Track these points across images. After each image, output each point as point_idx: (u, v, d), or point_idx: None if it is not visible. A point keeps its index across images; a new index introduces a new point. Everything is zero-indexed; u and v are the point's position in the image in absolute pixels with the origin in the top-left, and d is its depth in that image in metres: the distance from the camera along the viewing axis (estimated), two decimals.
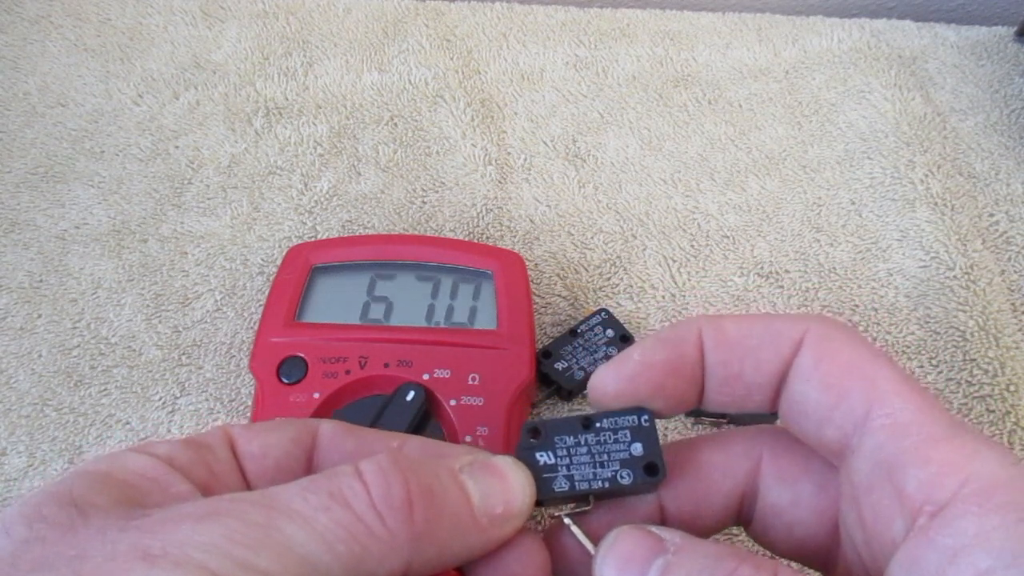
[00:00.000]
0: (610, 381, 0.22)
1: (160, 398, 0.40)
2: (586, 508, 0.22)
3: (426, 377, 0.36)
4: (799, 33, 0.57)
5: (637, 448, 0.22)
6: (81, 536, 0.16)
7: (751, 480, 0.23)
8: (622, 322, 0.41)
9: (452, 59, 0.55)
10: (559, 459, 0.22)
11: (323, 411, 0.35)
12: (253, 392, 0.39)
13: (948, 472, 0.18)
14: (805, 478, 0.22)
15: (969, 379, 0.40)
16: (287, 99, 0.53)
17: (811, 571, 0.23)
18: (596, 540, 0.21)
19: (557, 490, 0.22)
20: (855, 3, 0.62)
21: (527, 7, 0.59)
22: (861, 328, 0.43)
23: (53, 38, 0.56)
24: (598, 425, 0.22)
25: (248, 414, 0.39)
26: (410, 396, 0.35)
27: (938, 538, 0.17)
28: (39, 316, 0.43)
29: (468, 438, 0.35)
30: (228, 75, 0.54)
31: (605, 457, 0.22)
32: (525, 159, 0.50)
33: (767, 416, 0.37)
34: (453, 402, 0.35)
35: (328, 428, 0.22)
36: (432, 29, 0.57)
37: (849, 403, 0.20)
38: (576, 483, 0.22)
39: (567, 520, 0.22)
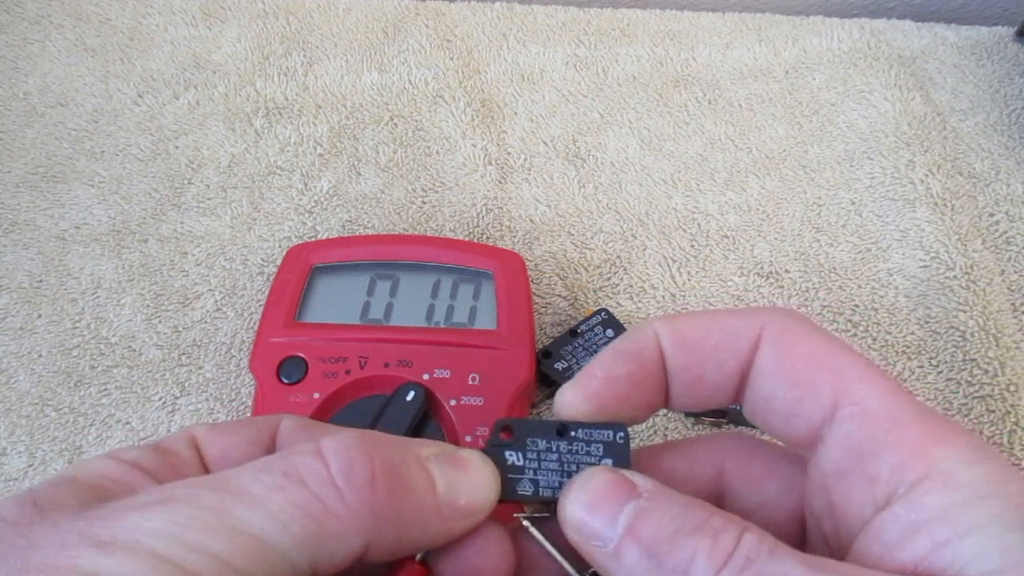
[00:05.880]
0: (576, 401, 0.22)
1: (160, 398, 0.40)
2: (545, 515, 0.22)
3: (426, 377, 0.36)
4: (799, 33, 0.57)
5: (607, 463, 0.21)
6: (36, 529, 0.17)
7: (714, 487, 0.23)
8: (622, 322, 0.41)
9: (452, 59, 0.55)
10: (528, 461, 0.22)
11: (323, 411, 0.35)
12: (253, 392, 0.39)
13: (918, 455, 0.18)
14: (771, 479, 0.23)
15: (969, 379, 0.40)
16: (287, 99, 0.53)
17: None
18: (555, 542, 0.21)
19: (520, 492, 0.21)
20: (855, 3, 0.62)
21: (527, 7, 0.59)
22: (861, 328, 0.43)
23: (53, 38, 0.56)
24: (573, 434, 0.22)
25: (248, 414, 0.39)
26: (410, 396, 0.35)
27: (901, 512, 0.18)
28: (39, 316, 0.43)
29: (468, 438, 0.35)
30: (228, 75, 0.54)
31: (574, 467, 0.21)
32: (525, 159, 0.50)
33: None
34: (453, 402, 0.35)
35: (288, 424, 0.22)
36: (432, 29, 0.57)
37: (816, 396, 0.20)
38: (540, 488, 0.21)
39: (526, 523, 0.22)
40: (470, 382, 0.36)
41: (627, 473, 0.20)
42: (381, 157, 0.50)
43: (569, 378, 0.38)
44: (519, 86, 0.54)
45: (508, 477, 0.21)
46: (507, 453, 0.22)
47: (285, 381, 0.36)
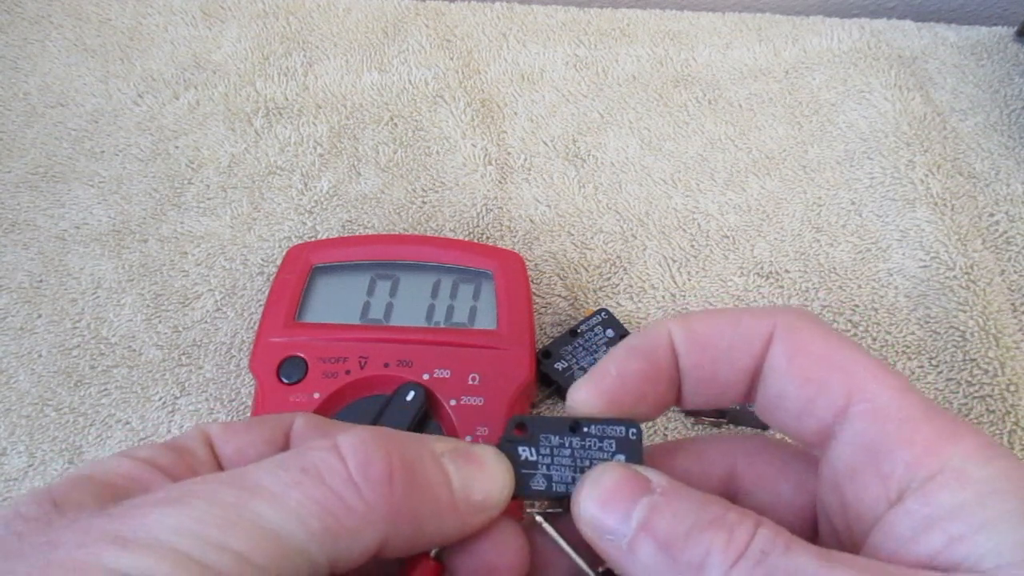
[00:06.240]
0: (590, 398, 0.22)
1: (160, 398, 0.40)
2: (559, 511, 0.22)
3: (426, 377, 0.36)
4: (799, 33, 0.57)
5: (620, 459, 0.21)
6: (56, 527, 0.17)
7: (727, 486, 0.23)
8: (622, 322, 0.41)
9: (452, 59, 0.55)
10: (541, 457, 0.22)
11: (323, 411, 0.35)
12: (253, 392, 0.39)
13: (930, 452, 0.19)
14: (782, 478, 0.23)
15: (969, 379, 0.40)
16: (287, 99, 0.53)
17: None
18: (568, 539, 0.21)
19: (534, 488, 0.21)
20: (855, 3, 0.62)
21: (527, 7, 0.59)
22: (861, 328, 0.43)
23: (53, 38, 0.56)
24: (585, 430, 0.22)
25: (248, 414, 0.39)
26: (410, 396, 0.35)
27: (915, 508, 0.18)
28: (39, 316, 0.43)
29: (468, 438, 0.35)
30: (228, 75, 0.54)
31: (587, 463, 0.21)
32: (525, 159, 0.50)
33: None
34: (453, 402, 0.35)
35: (302, 422, 0.22)
36: (432, 29, 0.57)
37: (827, 394, 0.20)
38: (553, 484, 0.21)
39: (539, 518, 0.22)
40: (470, 382, 0.36)
41: (640, 468, 0.20)
42: (381, 157, 0.50)
43: (569, 378, 0.39)
44: (519, 86, 0.54)
45: (522, 473, 0.21)
46: (520, 449, 0.22)
47: (285, 381, 0.36)
